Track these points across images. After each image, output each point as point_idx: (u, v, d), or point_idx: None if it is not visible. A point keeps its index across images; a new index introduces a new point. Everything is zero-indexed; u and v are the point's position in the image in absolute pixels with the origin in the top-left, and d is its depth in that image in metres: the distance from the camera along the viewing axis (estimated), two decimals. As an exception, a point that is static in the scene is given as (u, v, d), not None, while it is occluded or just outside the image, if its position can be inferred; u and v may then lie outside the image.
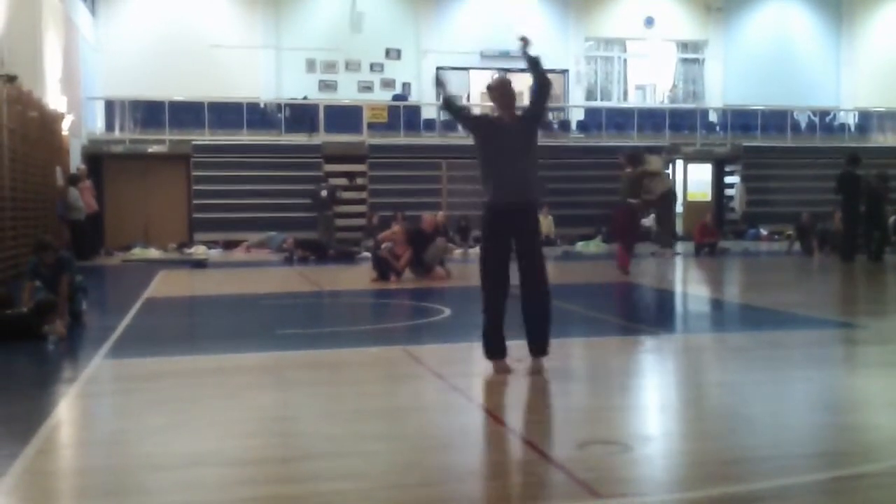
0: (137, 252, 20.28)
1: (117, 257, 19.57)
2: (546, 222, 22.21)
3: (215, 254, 20.47)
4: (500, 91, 6.62)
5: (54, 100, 18.00)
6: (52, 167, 17.28)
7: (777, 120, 26.80)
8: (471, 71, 27.33)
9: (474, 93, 28.02)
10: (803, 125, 27.48)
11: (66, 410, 5.73)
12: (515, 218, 6.48)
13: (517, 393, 6.19)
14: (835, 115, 28.49)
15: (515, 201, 6.46)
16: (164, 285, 13.76)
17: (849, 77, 29.33)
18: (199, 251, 20.49)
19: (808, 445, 4.80)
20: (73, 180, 18.37)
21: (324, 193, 21.75)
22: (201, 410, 5.66)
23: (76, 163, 20.11)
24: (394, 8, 26.36)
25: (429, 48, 26.28)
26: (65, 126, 18.69)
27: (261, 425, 5.30)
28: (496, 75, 6.87)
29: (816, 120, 27.50)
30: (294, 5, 25.64)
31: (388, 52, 26.18)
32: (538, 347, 6.56)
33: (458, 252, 20.64)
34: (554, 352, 6.76)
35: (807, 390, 6.22)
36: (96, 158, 22.02)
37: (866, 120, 28.35)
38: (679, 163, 25.88)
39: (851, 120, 28.48)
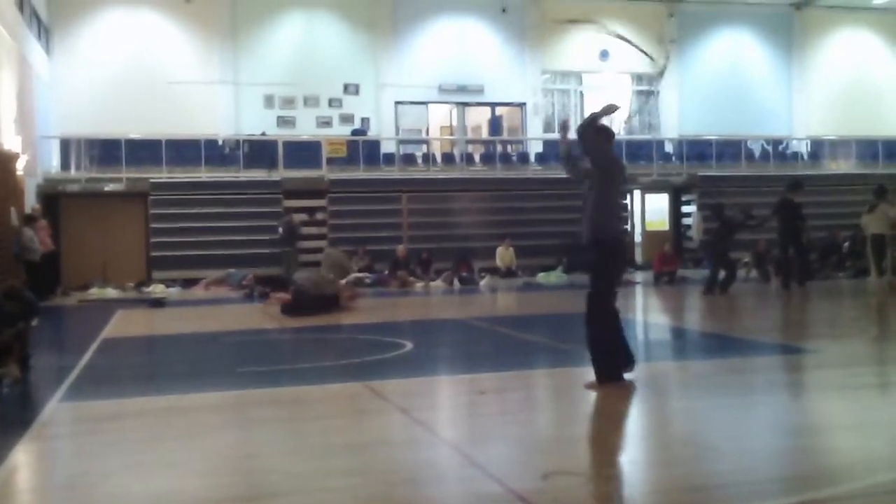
0: (95, 291, 20.02)
1: (74, 297, 19.30)
2: (508, 254, 22.31)
3: (174, 292, 20.25)
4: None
5: (8, 140, 17.79)
6: (6, 207, 17.05)
7: (731, 149, 27.21)
8: (429, 105, 27.54)
9: (433, 126, 28.24)
10: (757, 154, 27.91)
11: (22, 455, 5.62)
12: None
13: (481, 425, 6.18)
14: (788, 144, 28.99)
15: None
16: (122, 325, 13.59)
17: (800, 106, 29.91)
18: (157, 289, 20.27)
19: (772, 470, 4.83)
20: (28, 220, 18.13)
21: (280, 230, 21.62)
22: (162, 451, 5.58)
23: (31, 203, 19.86)
24: (352, 43, 26.48)
25: (387, 82, 26.40)
26: (19, 166, 18.46)
27: (223, 464, 5.23)
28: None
29: (770, 148, 27.94)
30: (252, 41, 25.67)
31: (346, 87, 26.27)
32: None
33: (419, 285, 20.65)
34: (517, 383, 6.77)
35: (768, 415, 6.28)
36: (52, 198, 21.74)
37: (818, 148, 28.88)
38: (637, 193, 26.13)
39: (804, 148, 29.00)
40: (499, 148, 26.30)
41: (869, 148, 28.21)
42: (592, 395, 6.84)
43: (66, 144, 23.34)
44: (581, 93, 28.75)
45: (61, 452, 5.83)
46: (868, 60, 30.77)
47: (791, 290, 16.47)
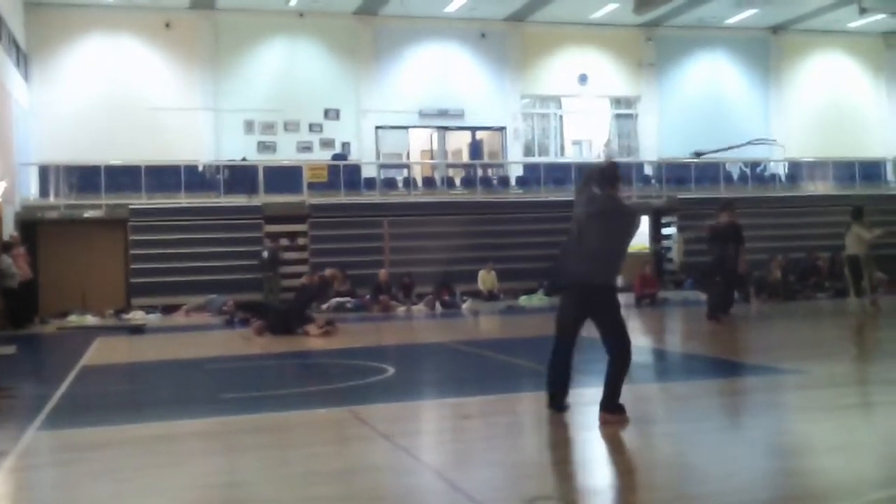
0: (74, 319, 19.83)
1: (53, 325, 19.12)
2: (490, 277, 22.31)
3: (154, 318, 20.11)
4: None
5: (-14, 166, 17.70)
6: (-16, 235, 16.93)
7: (710, 172, 27.37)
8: (410, 129, 27.60)
9: (414, 150, 28.29)
10: (736, 176, 28.11)
11: (1, 485, 5.53)
12: None
13: (465, 450, 6.15)
14: (766, 166, 29.20)
15: None
16: (101, 352, 13.46)
17: (778, 129, 30.13)
18: (137, 316, 20.12)
19: (758, 492, 4.82)
20: (5, 247, 17.99)
21: (265, 255, 21.59)
22: (144, 480, 5.51)
23: (9, 230, 19.71)
24: (332, 69, 26.54)
25: (368, 108, 26.44)
26: (-3, 193, 18.35)
27: (207, 493, 5.17)
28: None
29: (748, 171, 28.15)
30: (232, 67, 25.67)
31: (326, 112, 26.28)
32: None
33: (401, 309, 20.63)
34: (501, 407, 6.75)
35: (754, 437, 6.28)
36: (30, 225, 21.58)
37: (796, 170, 29.10)
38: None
39: (782, 170, 29.22)
40: (479, 172, 26.36)
41: (846, 169, 28.46)
42: (577, 420, 6.82)
43: (44, 171, 23.17)
44: (560, 116, 28.92)
45: (40, 482, 5.75)
46: (844, 83, 31.11)
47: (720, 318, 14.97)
